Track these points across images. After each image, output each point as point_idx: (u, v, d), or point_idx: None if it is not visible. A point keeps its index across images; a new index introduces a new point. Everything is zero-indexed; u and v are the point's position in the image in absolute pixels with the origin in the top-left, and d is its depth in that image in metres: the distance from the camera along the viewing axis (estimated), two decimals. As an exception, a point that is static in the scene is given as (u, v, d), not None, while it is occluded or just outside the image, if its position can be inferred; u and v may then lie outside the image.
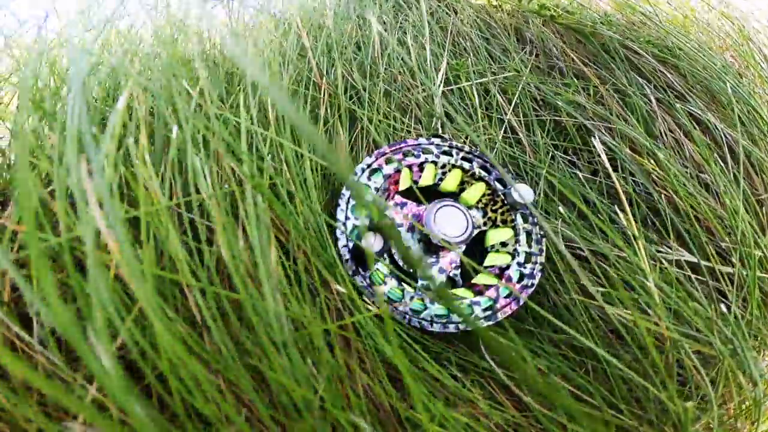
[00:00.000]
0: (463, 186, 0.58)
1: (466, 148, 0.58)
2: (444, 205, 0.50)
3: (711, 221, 0.55)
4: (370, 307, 0.41)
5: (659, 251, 0.56)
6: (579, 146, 0.66)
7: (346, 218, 0.49)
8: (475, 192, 0.57)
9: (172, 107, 0.41)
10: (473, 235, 0.55)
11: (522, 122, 0.66)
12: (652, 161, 0.59)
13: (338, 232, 0.47)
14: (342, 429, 0.27)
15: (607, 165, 0.46)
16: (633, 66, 0.69)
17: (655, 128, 0.63)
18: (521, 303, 0.48)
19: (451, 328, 0.46)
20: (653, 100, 0.63)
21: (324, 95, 0.60)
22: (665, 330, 0.41)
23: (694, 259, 0.53)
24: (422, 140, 0.57)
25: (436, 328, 0.45)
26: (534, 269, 0.51)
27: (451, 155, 0.57)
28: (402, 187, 0.56)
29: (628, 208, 0.46)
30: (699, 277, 0.52)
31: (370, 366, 0.38)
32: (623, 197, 0.47)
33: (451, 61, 0.68)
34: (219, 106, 0.47)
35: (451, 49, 0.71)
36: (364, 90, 0.63)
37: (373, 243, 0.43)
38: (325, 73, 0.61)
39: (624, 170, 0.62)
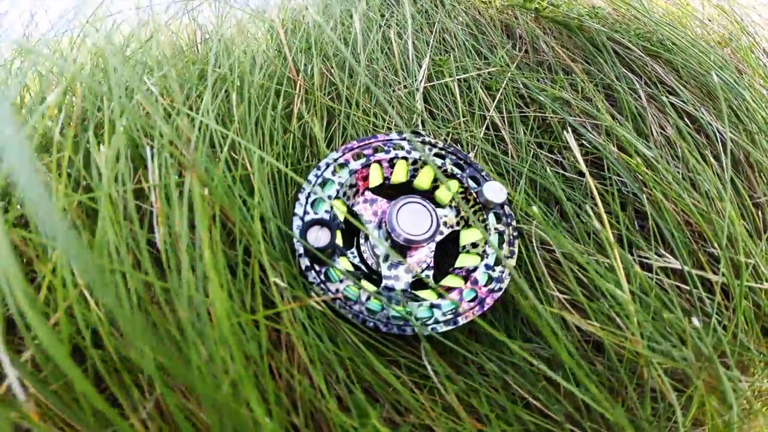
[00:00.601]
0: (436, 183, 0.56)
1: (440, 144, 0.56)
2: (408, 202, 0.49)
3: (701, 226, 0.52)
4: (314, 303, 0.39)
5: (643, 257, 0.52)
6: (564, 144, 0.63)
7: (305, 213, 0.48)
8: (444, 191, 0.55)
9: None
10: (441, 233, 0.53)
11: (505, 119, 0.64)
12: (639, 160, 0.56)
13: (294, 226, 0.47)
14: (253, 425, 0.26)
15: (580, 160, 0.44)
16: (622, 61, 0.65)
17: (645, 126, 0.59)
18: (486, 308, 0.46)
19: (408, 331, 0.44)
20: (643, 96, 0.60)
21: (300, 91, 0.60)
22: (634, 344, 0.38)
23: (683, 267, 0.50)
24: (394, 135, 0.55)
25: (392, 330, 0.43)
26: (504, 273, 0.49)
27: (426, 151, 0.55)
28: (373, 183, 0.55)
29: (602, 210, 0.44)
30: (683, 286, 0.48)
31: (298, 363, 0.36)
32: (598, 198, 0.44)
33: (435, 57, 0.67)
34: (182, 102, 0.48)
35: (436, 46, 0.70)
36: (343, 84, 0.62)
37: (318, 237, 0.42)
38: (302, 69, 0.60)
39: (610, 170, 0.59)
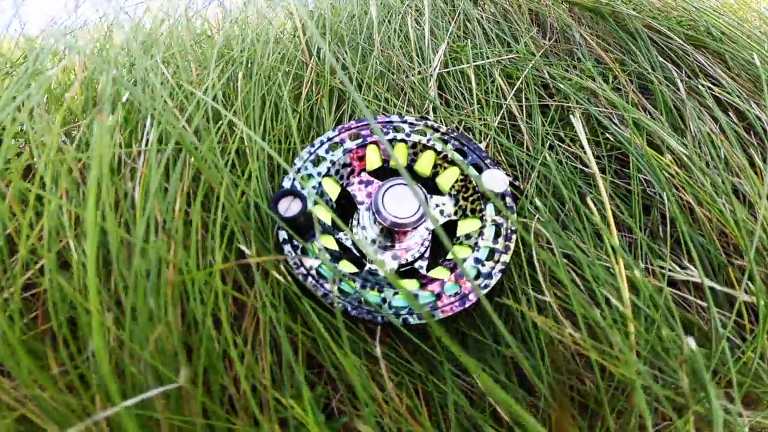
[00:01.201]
0: (437, 170, 0.53)
1: (443, 129, 0.53)
2: (396, 184, 0.47)
3: (738, 238, 0.44)
4: (277, 275, 0.38)
5: (663, 268, 0.46)
6: (588, 137, 0.57)
7: (292, 187, 0.48)
8: (448, 177, 0.53)
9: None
10: (429, 219, 0.51)
11: (523, 108, 0.60)
12: (671, 158, 0.50)
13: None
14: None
15: (587, 147, 0.39)
16: (660, 50, 0.58)
17: (682, 121, 0.52)
18: (468, 305, 0.43)
19: (379, 318, 0.42)
20: (682, 88, 0.53)
21: (311, 74, 0.60)
22: (621, 363, 0.33)
23: (709, 282, 0.43)
24: (395, 117, 0.54)
25: (361, 314, 0.41)
26: (494, 269, 0.45)
27: (425, 135, 0.53)
28: (371, 165, 0.54)
29: (608, 207, 0.39)
30: (703, 303, 0.42)
31: (249, 334, 0.35)
32: (603, 191, 0.39)
33: (453, 43, 0.64)
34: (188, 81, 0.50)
35: (457, 33, 0.67)
36: (353, 66, 0.61)
37: (289, 208, 0.41)
38: (314, 53, 0.60)
39: (636, 167, 0.52)
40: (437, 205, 0.53)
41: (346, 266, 0.46)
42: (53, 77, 0.44)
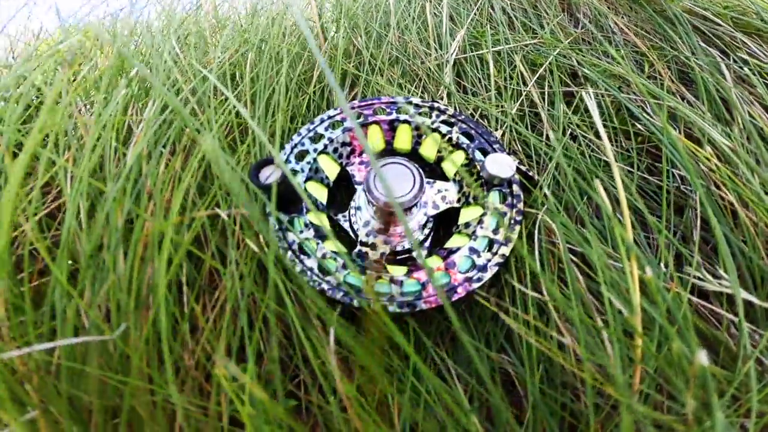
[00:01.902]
0: (442, 154, 0.50)
1: (450, 111, 0.50)
2: (390, 163, 0.44)
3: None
4: (251, 244, 0.37)
5: (693, 276, 0.39)
6: (615, 127, 0.52)
7: (286, 162, 0.46)
8: (453, 162, 0.49)
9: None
10: (437, 207, 0.47)
11: (546, 95, 0.55)
12: (711, 151, 0.43)
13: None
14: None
15: (600, 128, 0.34)
16: (705, 38, 0.52)
17: (727, 112, 0.45)
18: (456, 297, 0.38)
19: (354, 302, 0.39)
20: (728, 76, 0.46)
21: (324, 57, 0.59)
22: (610, 388, 0.28)
23: (745, 294, 0.36)
24: (399, 98, 0.51)
25: (335, 295, 0.39)
26: (490, 261, 0.41)
27: (430, 117, 0.50)
28: (373, 146, 0.52)
29: (623, 196, 0.34)
30: (734, 318, 0.35)
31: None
32: (619, 182, 0.35)
33: (473, 29, 0.61)
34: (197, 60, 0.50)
35: (478, 20, 0.64)
36: (367, 50, 0.60)
37: (269, 176, 0.39)
38: (330, 37, 0.60)
39: (669, 162, 0.46)
40: (439, 191, 0.49)
41: (330, 244, 0.43)
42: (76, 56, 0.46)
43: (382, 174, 0.43)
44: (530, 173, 0.49)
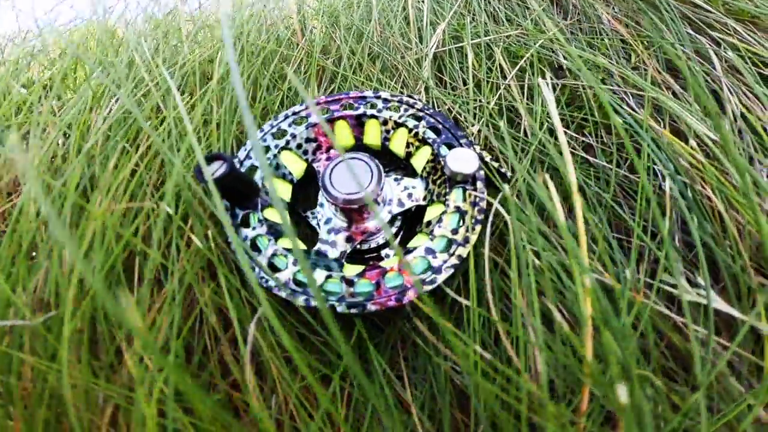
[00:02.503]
0: (410, 149, 0.48)
1: (419, 105, 0.48)
2: (348, 158, 0.43)
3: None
4: (193, 237, 0.36)
5: (668, 284, 0.36)
6: (598, 121, 0.48)
7: (247, 157, 0.46)
8: (420, 157, 0.47)
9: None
10: (402, 205, 0.46)
11: (525, 89, 0.53)
12: (695, 145, 0.40)
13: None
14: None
15: (555, 118, 0.32)
16: (695, 26, 0.48)
17: (721, 107, 0.42)
18: (406, 301, 0.36)
19: (300, 300, 0.37)
20: (717, 65, 0.42)
21: (300, 53, 0.58)
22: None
23: (719, 304, 0.33)
24: (368, 93, 0.50)
25: (280, 293, 0.37)
26: (446, 263, 0.38)
27: (398, 111, 0.48)
28: (341, 142, 0.50)
29: (575, 187, 0.32)
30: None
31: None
32: (571, 172, 0.32)
33: (453, 22, 0.59)
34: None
35: (461, 13, 0.61)
36: (346, 44, 0.59)
37: (216, 170, 0.38)
38: (308, 33, 0.59)
39: (649, 158, 0.43)
40: (406, 188, 0.47)
41: (286, 241, 0.42)
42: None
43: (339, 169, 0.42)
44: (502, 170, 0.47)
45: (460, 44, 0.57)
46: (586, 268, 0.25)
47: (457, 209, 0.41)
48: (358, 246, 0.46)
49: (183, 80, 0.52)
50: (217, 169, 0.37)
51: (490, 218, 0.39)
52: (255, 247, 0.40)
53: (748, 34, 0.46)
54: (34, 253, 0.36)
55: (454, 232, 0.40)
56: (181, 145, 0.41)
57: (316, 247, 0.44)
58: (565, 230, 0.26)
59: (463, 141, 0.45)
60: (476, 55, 0.57)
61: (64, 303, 0.30)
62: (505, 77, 0.54)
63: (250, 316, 0.36)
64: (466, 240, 0.39)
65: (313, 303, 0.36)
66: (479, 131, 0.53)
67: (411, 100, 0.48)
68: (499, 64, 0.55)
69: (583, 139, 0.49)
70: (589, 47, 0.53)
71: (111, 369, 0.30)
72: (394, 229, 0.48)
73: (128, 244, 0.37)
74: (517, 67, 0.53)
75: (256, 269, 0.38)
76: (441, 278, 0.37)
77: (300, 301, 0.37)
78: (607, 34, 0.55)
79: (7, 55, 0.57)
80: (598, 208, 0.43)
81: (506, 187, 0.38)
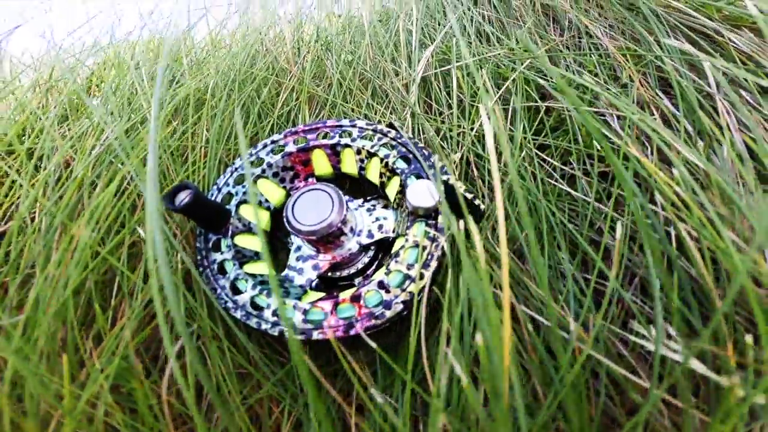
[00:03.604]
0: (383, 179, 0.48)
1: (392, 134, 0.48)
2: (311, 189, 0.43)
3: (752, 304, 0.29)
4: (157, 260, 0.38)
5: (641, 335, 0.33)
6: (579, 150, 0.45)
7: (225, 184, 0.48)
8: (392, 188, 0.47)
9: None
10: (371, 236, 0.46)
11: (509, 112, 0.51)
12: (677, 174, 0.36)
13: (209, 194, 0.47)
14: None
15: (489, 141, 0.30)
16: (689, 38, 0.43)
17: (714, 127, 0.37)
18: (352, 333, 0.36)
19: (253, 322, 0.38)
20: (711, 78, 0.38)
21: (292, 82, 0.60)
22: None
23: (669, 350, 0.29)
24: (344, 121, 0.50)
25: (235, 314, 0.39)
26: (396, 298, 0.38)
27: (372, 140, 0.48)
28: (320, 170, 0.51)
29: (502, 224, 0.30)
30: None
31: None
32: (499, 203, 0.31)
33: (442, 45, 0.58)
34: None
35: (452, 34, 0.60)
36: (335, 68, 0.60)
37: (182, 198, 0.40)
38: (299, 61, 0.60)
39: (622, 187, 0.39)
40: (377, 219, 0.47)
41: (252, 267, 0.44)
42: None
43: (302, 200, 0.43)
44: (476, 202, 0.45)
45: (447, 67, 0.56)
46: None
47: (416, 244, 0.40)
48: (333, 274, 0.47)
49: (182, 104, 0.56)
50: (184, 198, 0.40)
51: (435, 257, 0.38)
52: (222, 270, 0.42)
53: (746, 45, 0.41)
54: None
55: (410, 267, 0.39)
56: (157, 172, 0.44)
57: (283, 273, 0.45)
58: (486, 276, 0.25)
59: (431, 172, 0.44)
60: (464, 77, 0.55)
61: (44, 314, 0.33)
62: (489, 100, 0.52)
63: (212, 333, 0.38)
64: (421, 276, 0.38)
65: (263, 326, 0.38)
66: (461, 157, 0.52)
67: (385, 129, 0.48)
68: (485, 87, 0.53)
69: (564, 168, 0.46)
70: (579, 66, 0.50)
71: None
72: (366, 259, 0.48)
73: (105, 260, 0.41)
74: (502, 89, 0.52)
75: (219, 291, 0.40)
76: (389, 314, 0.37)
77: (252, 323, 0.38)
78: (598, 50, 0.52)
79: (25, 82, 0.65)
80: (568, 247, 0.41)
81: (460, 224, 0.37)
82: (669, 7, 0.46)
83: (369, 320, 0.37)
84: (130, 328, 0.35)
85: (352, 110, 0.60)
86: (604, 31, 0.51)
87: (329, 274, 0.47)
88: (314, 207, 0.42)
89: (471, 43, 0.59)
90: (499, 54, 0.55)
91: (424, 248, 0.40)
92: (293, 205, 0.43)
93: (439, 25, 0.62)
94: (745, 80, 0.41)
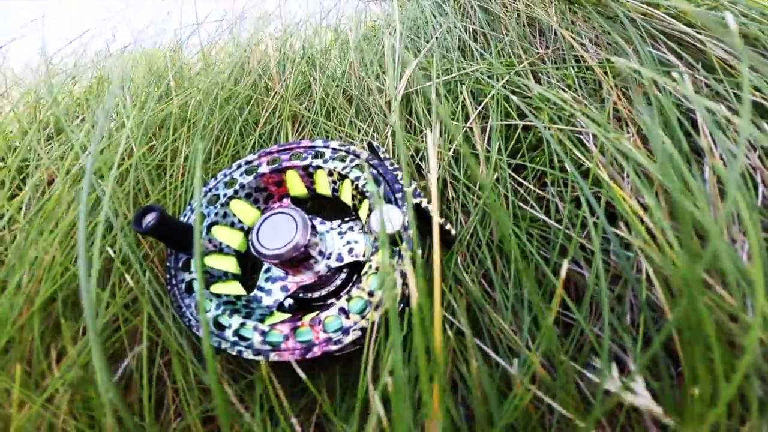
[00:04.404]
0: (355, 201, 0.48)
1: (365, 155, 0.47)
2: (277, 213, 0.43)
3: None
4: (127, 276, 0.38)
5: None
6: (553, 170, 0.44)
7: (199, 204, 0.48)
8: (363, 211, 0.46)
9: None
10: (340, 260, 0.45)
11: (487, 132, 0.49)
12: (652, 204, 0.34)
13: (182, 215, 0.47)
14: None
15: (432, 165, 0.30)
16: (668, 46, 0.40)
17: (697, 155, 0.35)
18: (308, 356, 0.36)
19: (213, 340, 0.38)
20: (691, 91, 0.35)
21: (276, 99, 0.60)
22: None
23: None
24: (318, 142, 0.50)
25: (197, 331, 0.39)
26: (355, 324, 0.37)
27: (344, 161, 0.48)
28: (294, 191, 0.51)
29: (437, 267, 0.29)
30: None
31: None
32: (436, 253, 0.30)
33: (424, 60, 0.57)
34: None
35: (434, 49, 0.59)
36: (318, 84, 0.60)
37: (149, 221, 0.41)
38: (282, 79, 0.61)
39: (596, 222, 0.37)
40: (348, 243, 0.47)
41: (219, 287, 0.44)
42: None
43: (267, 224, 0.43)
44: (447, 227, 0.44)
45: (429, 83, 0.56)
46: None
47: (377, 270, 0.40)
48: (305, 294, 0.47)
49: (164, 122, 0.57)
50: (150, 220, 0.40)
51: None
52: (190, 289, 0.43)
53: (728, 55, 0.38)
54: None
55: (371, 294, 0.38)
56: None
57: (252, 293, 0.45)
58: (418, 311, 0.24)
59: (399, 196, 0.43)
60: (445, 94, 0.54)
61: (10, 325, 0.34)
62: (468, 118, 0.51)
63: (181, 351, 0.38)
64: (380, 304, 0.37)
65: (223, 345, 0.38)
66: (438, 179, 0.50)
67: (358, 150, 0.48)
68: (462, 104, 0.52)
69: (539, 191, 0.45)
70: (562, 80, 0.49)
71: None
72: (339, 281, 0.47)
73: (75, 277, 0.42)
74: (480, 107, 0.50)
75: (184, 309, 0.41)
76: (347, 340, 0.36)
77: (213, 341, 0.38)
78: (579, 63, 0.50)
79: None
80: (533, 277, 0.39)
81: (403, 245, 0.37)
82: (647, 15, 0.43)
83: (326, 345, 0.37)
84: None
85: (335, 129, 0.60)
86: (583, 44, 0.49)
87: (300, 295, 0.46)
88: (278, 231, 0.42)
89: (453, 58, 0.57)
90: (479, 69, 0.53)
91: (386, 275, 0.39)
92: (258, 229, 0.42)
93: (426, 42, 0.61)
94: (726, 91, 0.38)
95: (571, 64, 0.50)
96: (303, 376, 0.33)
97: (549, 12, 0.56)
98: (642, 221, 0.31)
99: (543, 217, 0.41)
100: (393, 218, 0.40)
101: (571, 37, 0.47)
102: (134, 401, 0.38)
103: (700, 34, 0.40)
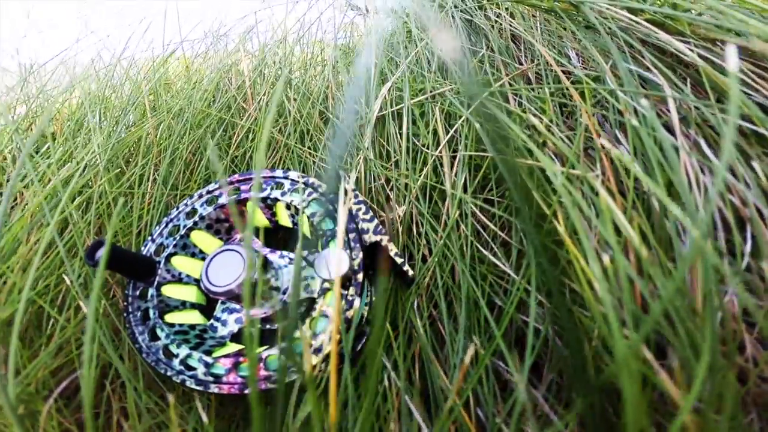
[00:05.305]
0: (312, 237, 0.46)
1: (323, 188, 0.45)
2: (225, 250, 0.42)
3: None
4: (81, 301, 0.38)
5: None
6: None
7: (159, 235, 0.47)
8: (320, 247, 0.45)
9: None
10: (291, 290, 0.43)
11: (457, 161, 0.46)
12: (606, 261, 0.30)
13: (144, 248, 0.47)
14: None
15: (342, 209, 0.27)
16: (650, 60, 0.36)
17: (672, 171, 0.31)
18: (245, 391, 0.36)
19: (160, 368, 0.39)
20: (674, 111, 0.31)
21: (249, 122, 0.59)
22: None
23: None
24: (278, 173, 0.48)
25: (148, 359, 0.39)
26: (293, 366, 0.36)
27: (302, 194, 0.46)
28: (255, 223, 0.50)
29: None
30: None
31: None
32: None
33: (398, 81, 0.54)
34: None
35: (415, 68, 0.56)
36: (294, 109, 0.58)
37: (100, 255, 0.40)
38: (257, 101, 0.59)
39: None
40: (305, 278, 0.45)
41: (174, 316, 0.44)
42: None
43: (216, 260, 0.42)
44: (404, 268, 0.42)
45: (400, 106, 0.53)
46: None
47: (324, 314, 0.38)
48: (264, 326, 0.45)
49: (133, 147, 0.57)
50: (101, 254, 0.40)
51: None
52: (147, 316, 0.42)
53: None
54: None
55: (315, 336, 0.37)
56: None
57: (209, 322, 0.45)
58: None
59: (352, 236, 0.41)
60: (419, 117, 0.51)
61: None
62: (438, 143, 0.48)
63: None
64: (319, 350, 0.36)
65: (169, 373, 0.38)
66: (404, 213, 0.48)
67: (316, 183, 0.46)
68: (434, 128, 0.49)
69: (504, 237, 0.41)
70: (531, 101, 0.45)
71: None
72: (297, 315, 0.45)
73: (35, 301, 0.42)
74: (450, 133, 0.47)
75: (137, 335, 0.41)
76: (287, 380, 0.35)
77: (160, 369, 0.39)
78: (559, 83, 0.45)
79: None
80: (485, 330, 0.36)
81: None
82: (625, 29, 0.38)
83: (265, 383, 0.36)
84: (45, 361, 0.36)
85: (310, 153, 0.58)
86: (560, 61, 0.45)
87: (259, 326, 0.45)
88: (226, 268, 0.41)
89: (429, 78, 0.54)
90: (453, 88, 0.50)
91: (328, 315, 0.38)
92: (208, 266, 0.41)
93: (406, 58, 0.58)
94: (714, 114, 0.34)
95: (547, 83, 0.46)
96: (205, 419, 0.32)
97: (533, 24, 0.52)
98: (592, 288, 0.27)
99: (500, 263, 0.38)
100: (336, 263, 0.38)
101: (549, 54, 0.43)
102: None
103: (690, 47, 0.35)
